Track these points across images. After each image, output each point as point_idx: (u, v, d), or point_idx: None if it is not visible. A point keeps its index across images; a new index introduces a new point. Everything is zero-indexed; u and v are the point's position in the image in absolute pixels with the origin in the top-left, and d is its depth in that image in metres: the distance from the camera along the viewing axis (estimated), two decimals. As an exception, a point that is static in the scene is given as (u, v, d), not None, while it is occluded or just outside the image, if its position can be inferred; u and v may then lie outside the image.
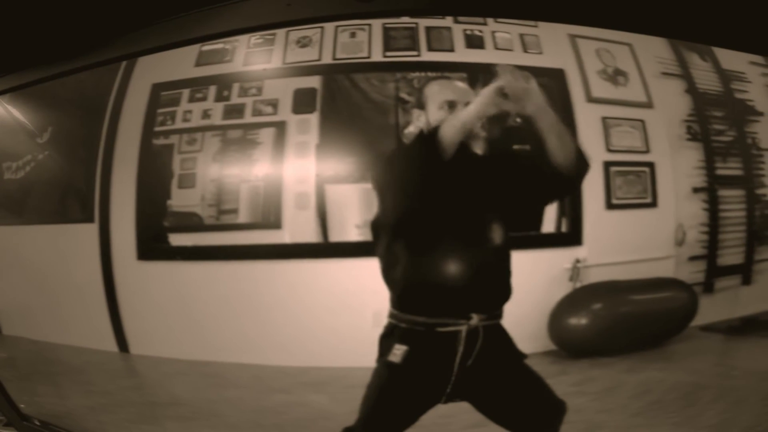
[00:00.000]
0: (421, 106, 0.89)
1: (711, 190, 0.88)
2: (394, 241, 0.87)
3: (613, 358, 0.91)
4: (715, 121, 0.90)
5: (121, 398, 1.07)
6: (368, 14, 0.91)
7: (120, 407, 1.07)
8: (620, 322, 0.92)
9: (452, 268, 0.87)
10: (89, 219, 1.01)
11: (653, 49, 0.90)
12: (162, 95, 0.98)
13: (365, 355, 0.90)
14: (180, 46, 0.97)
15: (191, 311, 0.99)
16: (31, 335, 1.15)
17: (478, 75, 0.90)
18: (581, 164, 0.85)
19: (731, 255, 0.89)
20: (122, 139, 1.00)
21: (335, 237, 0.93)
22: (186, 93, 0.97)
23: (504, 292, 0.87)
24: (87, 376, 1.10)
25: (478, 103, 0.83)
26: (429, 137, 0.85)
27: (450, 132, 0.83)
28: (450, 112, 0.86)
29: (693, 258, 0.88)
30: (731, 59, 0.90)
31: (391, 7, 0.91)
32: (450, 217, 0.86)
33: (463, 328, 0.87)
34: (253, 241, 0.95)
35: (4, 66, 1.08)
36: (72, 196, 1.07)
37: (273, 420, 0.98)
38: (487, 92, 0.82)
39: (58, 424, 1.13)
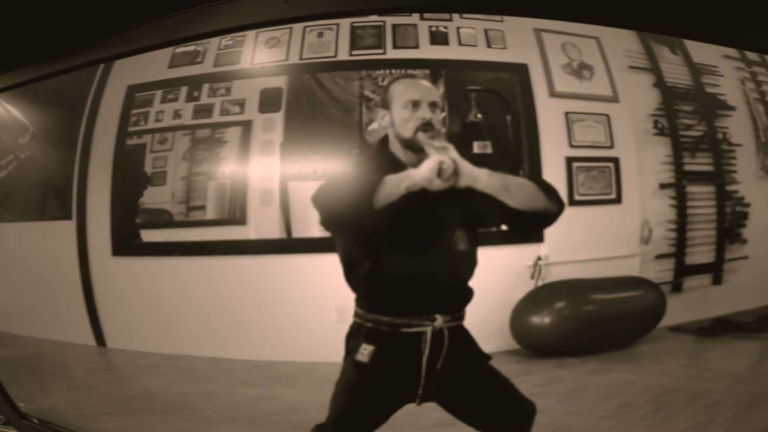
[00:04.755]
0: (385, 105, 0.88)
1: (679, 186, 0.85)
2: (355, 244, 0.87)
3: (579, 358, 0.89)
4: (684, 115, 0.87)
5: (100, 391, 1.10)
6: (367, 11, 0.91)
7: (98, 400, 1.10)
8: (584, 322, 0.90)
9: (416, 270, 0.86)
10: (67, 216, 1.04)
11: (621, 43, 0.88)
12: (136, 96, 1.01)
13: (330, 351, 0.90)
14: (180, 43, 0.98)
15: (164, 305, 1.01)
16: (13, 330, 1.18)
17: (441, 71, 0.90)
18: (555, 205, 0.83)
19: (701, 253, 0.86)
20: (98, 139, 1.03)
21: (298, 233, 0.94)
22: (159, 94, 0.99)
23: (466, 293, 0.86)
24: (68, 370, 1.13)
25: (419, 177, 0.81)
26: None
27: (383, 198, 0.81)
28: (414, 111, 0.85)
29: (660, 256, 0.86)
30: (703, 52, 0.87)
31: (389, 4, 0.91)
32: (411, 224, 0.85)
33: (428, 329, 0.87)
34: (220, 236, 0.97)
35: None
36: (51, 194, 1.11)
37: (244, 413, 1.00)
38: (425, 171, 0.81)
39: (56, 422, 1.13)
